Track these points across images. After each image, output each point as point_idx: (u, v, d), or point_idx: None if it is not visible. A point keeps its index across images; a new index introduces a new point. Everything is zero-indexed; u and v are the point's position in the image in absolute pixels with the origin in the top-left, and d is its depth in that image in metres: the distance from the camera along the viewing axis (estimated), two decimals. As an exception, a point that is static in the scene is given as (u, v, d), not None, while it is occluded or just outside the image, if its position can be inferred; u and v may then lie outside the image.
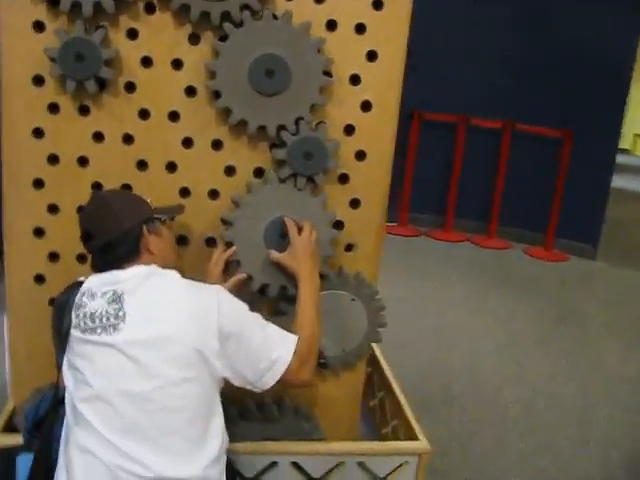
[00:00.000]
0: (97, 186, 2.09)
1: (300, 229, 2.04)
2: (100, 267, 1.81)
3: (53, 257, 2.16)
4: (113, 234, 1.77)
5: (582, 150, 6.40)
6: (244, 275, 2.09)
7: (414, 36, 6.09)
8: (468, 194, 6.91)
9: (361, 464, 2.22)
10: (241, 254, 2.08)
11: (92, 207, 1.86)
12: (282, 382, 1.80)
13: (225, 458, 1.76)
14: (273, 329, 1.82)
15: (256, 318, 1.81)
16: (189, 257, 2.16)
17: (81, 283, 1.79)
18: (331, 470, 2.21)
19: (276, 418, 2.25)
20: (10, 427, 2.16)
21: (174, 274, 1.79)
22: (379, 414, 2.81)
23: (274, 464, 2.16)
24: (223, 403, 1.77)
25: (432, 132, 6.85)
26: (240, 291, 2.05)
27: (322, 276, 2.12)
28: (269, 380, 1.78)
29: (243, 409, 2.24)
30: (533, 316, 5.01)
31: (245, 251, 2.08)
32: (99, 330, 1.67)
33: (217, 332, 1.69)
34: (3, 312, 2.22)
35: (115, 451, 1.59)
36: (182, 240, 2.16)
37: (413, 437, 2.35)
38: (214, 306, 1.71)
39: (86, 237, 1.83)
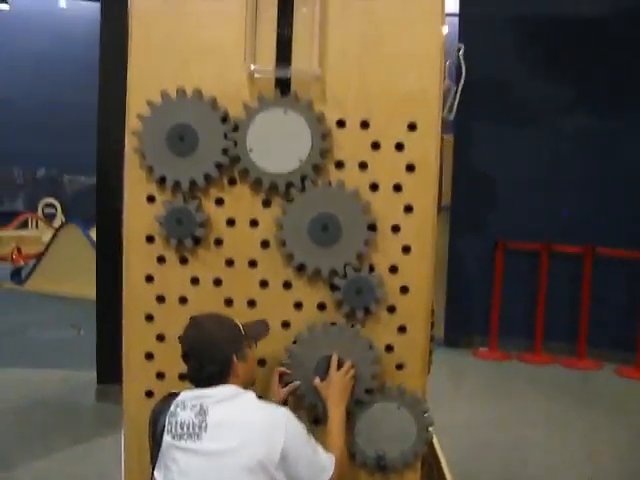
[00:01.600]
0: (194, 320, 2.64)
1: (341, 366, 2.51)
2: (194, 382, 2.27)
3: (160, 376, 2.69)
4: (207, 361, 2.20)
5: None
6: (298, 383, 2.55)
7: (497, 167, 6.67)
8: (556, 317, 7.13)
9: None
10: (296, 377, 2.57)
11: (191, 333, 2.27)
12: None
13: None
14: (321, 451, 2.25)
15: (310, 440, 2.24)
16: (265, 375, 2.64)
17: (173, 394, 2.28)
18: None
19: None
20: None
21: (252, 396, 2.23)
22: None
23: None
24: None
25: (516, 259, 7.21)
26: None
27: (369, 392, 2.57)
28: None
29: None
30: (614, 433, 5.13)
31: (300, 376, 2.57)
32: (186, 437, 2.13)
33: (281, 450, 2.10)
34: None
35: None
36: (261, 362, 2.65)
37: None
38: (282, 428, 2.13)
39: (185, 357, 2.28)
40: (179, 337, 2.32)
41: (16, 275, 10.65)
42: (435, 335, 7.43)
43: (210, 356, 2.21)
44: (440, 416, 4.83)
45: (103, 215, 5.39)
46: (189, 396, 2.23)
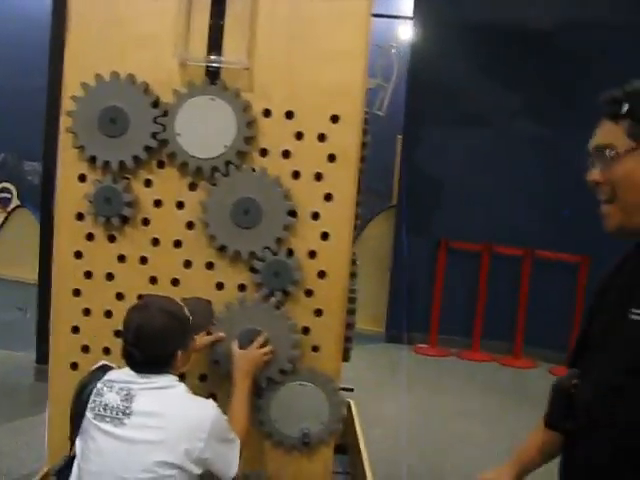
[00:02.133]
0: (119, 295, 2.74)
1: (263, 346, 2.62)
2: (129, 365, 2.21)
3: (85, 349, 2.79)
4: (149, 352, 2.16)
5: (599, 273, 6.80)
6: (223, 335, 2.65)
7: (444, 168, 6.82)
8: (494, 316, 7.31)
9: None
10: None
11: (139, 319, 2.20)
12: None
13: None
14: (235, 442, 2.32)
15: (230, 436, 2.30)
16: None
17: (103, 367, 2.32)
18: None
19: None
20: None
21: (181, 390, 2.22)
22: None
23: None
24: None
25: (459, 259, 7.40)
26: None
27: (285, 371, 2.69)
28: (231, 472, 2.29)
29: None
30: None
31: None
32: (108, 419, 2.13)
33: (201, 448, 2.13)
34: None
35: None
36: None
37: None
38: (206, 429, 2.15)
39: (127, 339, 2.20)
40: (124, 320, 2.26)
41: (-34, 258, 10.56)
42: (376, 330, 7.60)
43: (154, 349, 2.19)
44: (374, 409, 5.02)
45: (49, 199, 5.41)
46: (119, 378, 2.21)
